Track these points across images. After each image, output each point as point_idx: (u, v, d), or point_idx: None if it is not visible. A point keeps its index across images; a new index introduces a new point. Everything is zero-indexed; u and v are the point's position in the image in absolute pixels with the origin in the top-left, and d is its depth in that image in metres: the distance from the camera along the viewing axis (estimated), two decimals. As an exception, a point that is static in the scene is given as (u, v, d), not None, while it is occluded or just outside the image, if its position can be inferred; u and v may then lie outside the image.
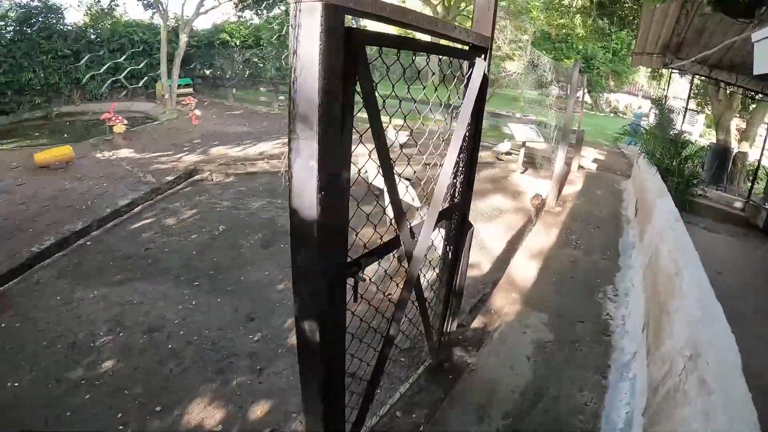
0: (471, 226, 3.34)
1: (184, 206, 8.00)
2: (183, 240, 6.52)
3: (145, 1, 17.28)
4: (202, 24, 25.77)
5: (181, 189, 9.09)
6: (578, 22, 15.19)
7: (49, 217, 6.96)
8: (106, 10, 19.82)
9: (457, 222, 3.18)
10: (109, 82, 19.54)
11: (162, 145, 11.96)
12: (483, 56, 2.69)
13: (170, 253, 6.08)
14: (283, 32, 22.35)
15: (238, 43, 23.34)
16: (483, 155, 11.03)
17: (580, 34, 16.27)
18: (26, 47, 17.15)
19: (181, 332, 4.37)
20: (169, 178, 9.27)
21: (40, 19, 17.80)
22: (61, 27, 18.57)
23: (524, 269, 5.23)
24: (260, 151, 11.21)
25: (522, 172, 9.93)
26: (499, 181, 9.22)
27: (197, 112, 15.68)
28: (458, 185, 3.08)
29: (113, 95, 19.80)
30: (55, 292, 5.09)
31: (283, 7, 24.46)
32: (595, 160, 11.51)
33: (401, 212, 2.36)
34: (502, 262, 5.77)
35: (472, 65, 2.67)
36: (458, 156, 2.83)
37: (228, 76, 22.46)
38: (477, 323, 4.19)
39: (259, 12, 23.79)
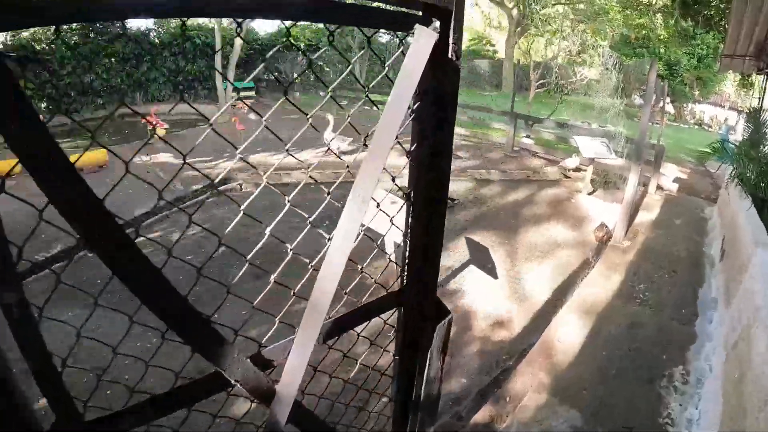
0: (447, 314, 1.89)
1: (196, 221, 7.28)
2: (176, 262, 5.76)
3: None
4: (269, 27, 25.66)
5: (205, 199, 8.49)
6: (659, 23, 13.57)
7: (63, 224, 6.45)
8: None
9: (411, 315, 1.78)
10: (170, 84, 19.82)
11: (203, 150, 11.50)
12: (443, 22, 1.24)
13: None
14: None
15: (302, 47, 23.13)
16: (548, 171, 9.73)
17: (662, 36, 14.58)
18: (90, 50, 17.51)
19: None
20: (197, 186, 8.75)
21: (103, 23, 18.10)
22: (124, 31, 18.82)
23: (567, 334, 3.99)
24: (302, 159, 10.42)
25: (589, 193, 8.54)
26: (560, 205, 7.89)
27: (251, 116, 15.29)
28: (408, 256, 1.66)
29: (175, 97, 20.04)
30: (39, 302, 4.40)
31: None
32: (676, 180, 9.89)
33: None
34: (542, 319, 4.51)
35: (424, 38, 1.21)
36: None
37: (293, 80, 22.13)
38: (481, 416, 3.05)
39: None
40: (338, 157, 1.53)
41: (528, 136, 11.51)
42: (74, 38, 17.52)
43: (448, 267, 5.49)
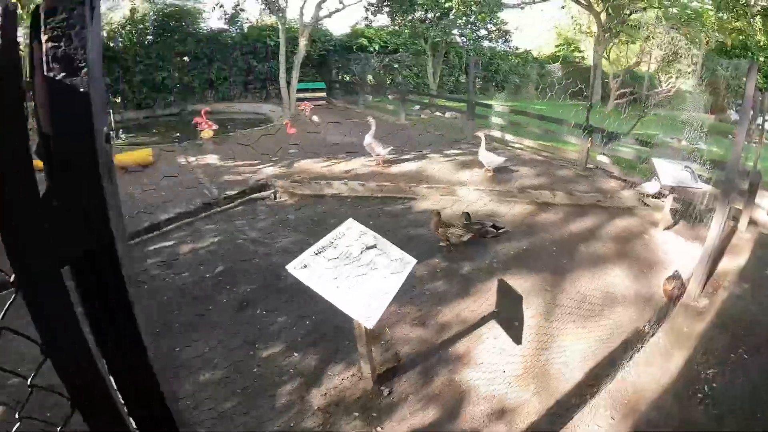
0: None
1: (211, 232, 6.96)
2: (169, 279, 5.45)
3: (266, 8, 16.85)
4: (341, 28, 25.56)
5: (233, 207, 8.00)
6: (758, 26, 11.60)
7: None
8: (230, 15, 20.08)
9: None
10: (241, 84, 20.00)
11: (251, 152, 11.11)
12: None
13: (144, 293, 5.08)
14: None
15: (377, 48, 22.61)
16: (623, 196, 8.35)
17: (762, 43, 12.52)
18: (162, 48, 17.93)
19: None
20: (231, 192, 8.32)
21: (175, 23, 18.50)
22: (196, 30, 19.18)
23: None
24: (349, 168, 9.74)
25: (667, 228, 7.13)
26: (629, 242, 6.54)
27: (315, 118, 14.92)
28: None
29: (246, 96, 20.21)
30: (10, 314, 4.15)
31: (420, 12, 23.27)
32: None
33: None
34: (559, 415, 3.30)
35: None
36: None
37: (365, 82, 21.65)
38: None
39: (396, 17, 22.92)
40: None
41: (604, 153, 10.08)
42: (148, 36, 17.97)
43: (463, 319, 4.49)
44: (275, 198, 8.53)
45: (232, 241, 6.53)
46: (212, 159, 10.70)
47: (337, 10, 17.06)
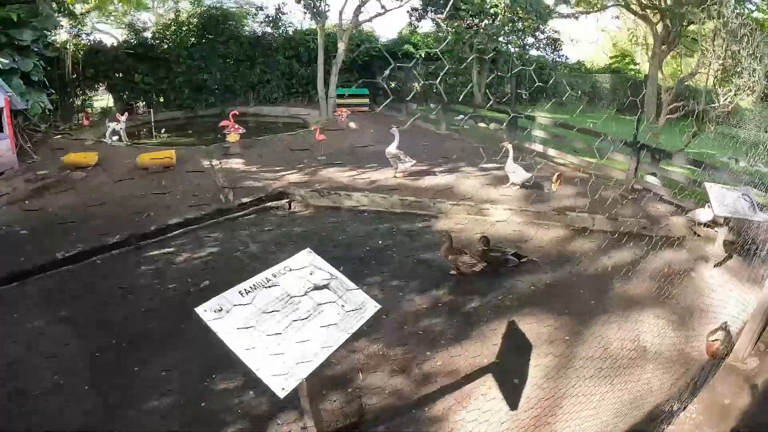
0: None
1: (212, 242, 6.67)
2: (161, 288, 5.26)
3: (307, 12, 16.61)
4: (388, 33, 25.21)
5: (245, 215, 7.66)
6: None
7: (93, 224, 6.85)
8: (272, 19, 19.99)
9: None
10: (282, 87, 19.90)
11: (277, 158, 10.79)
12: None
13: (125, 303, 4.95)
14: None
15: (422, 55, 22.04)
16: (672, 223, 7.44)
17: None
18: (205, 50, 18.03)
19: None
20: (246, 200, 8.00)
21: (219, 25, 18.55)
22: (239, 33, 19.21)
23: None
24: (375, 179, 9.20)
25: (718, 265, 6.21)
26: (672, 280, 5.67)
27: (351, 125, 14.56)
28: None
29: (288, 100, 20.11)
30: (10, 310, 4.74)
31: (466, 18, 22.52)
32: None
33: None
34: None
35: None
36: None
37: (408, 90, 21.14)
38: None
39: (440, 23, 22.28)
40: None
41: (654, 174, 9.11)
42: (191, 38, 18.10)
43: (453, 370, 3.82)
44: (289, 208, 8.11)
45: (229, 253, 6.18)
46: (236, 163, 10.45)
47: (378, 15, 16.61)
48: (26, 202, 7.91)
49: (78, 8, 17.14)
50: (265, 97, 19.79)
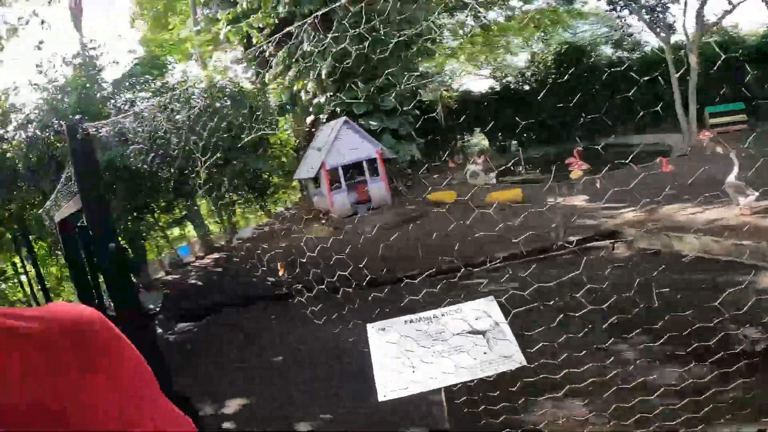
0: None
1: (510, 282, 6.87)
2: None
3: (656, 27, 15.50)
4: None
5: (563, 255, 8.22)
6: None
7: (431, 250, 8.27)
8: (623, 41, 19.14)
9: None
10: (644, 112, 19.00)
11: (620, 193, 10.70)
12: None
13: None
14: None
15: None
16: None
17: None
18: (563, 86, 18.69)
19: None
20: (573, 238, 8.55)
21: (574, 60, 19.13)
22: (596, 63, 19.33)
23: None
24: (718, 217, 8.39)
25: None
26: None
27: (718, 150, 13.11)
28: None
29: (656, 125, 19.13)
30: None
31: None
32: None
33: None
34: None
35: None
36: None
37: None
38: None
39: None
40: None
41: None
42: (550, 77, 19.19)
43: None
44: (613, 249, 8.31)
45: (521, 289, 6.08)
46: (580, 200, 10.96)
47: (727, 13, 14.25)
48: (391, 230, 10.51)
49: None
50: (629, 125, 19.28)
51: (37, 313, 0.56)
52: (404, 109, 13.40)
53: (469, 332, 3.04)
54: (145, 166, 8.97)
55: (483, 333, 3.03)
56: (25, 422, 0.48)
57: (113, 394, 0.55)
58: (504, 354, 2.94)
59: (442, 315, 3.16)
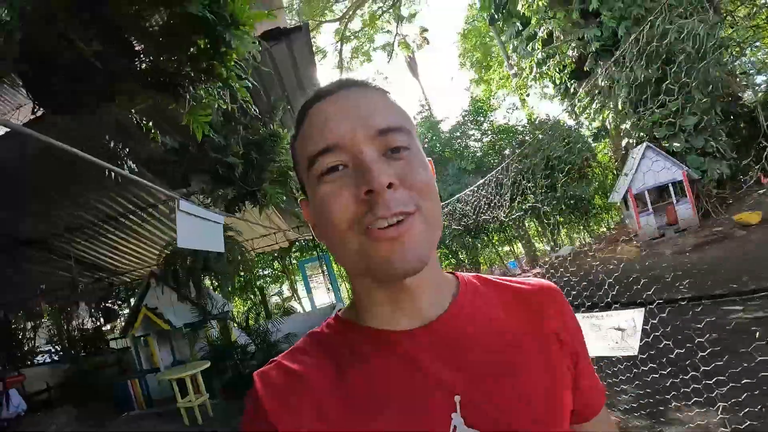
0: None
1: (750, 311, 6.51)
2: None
3: None
4: None
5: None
6: None
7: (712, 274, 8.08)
8: None
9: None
10: None
11: None
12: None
13: None
14: None
15: None
16: None
17: None
18: None
19: None
20: None
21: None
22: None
23: None
24: None
25: None
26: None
27: None
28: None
29: None
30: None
31: None
32: None
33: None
34: None
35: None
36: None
37: None
38: None
39: None
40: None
41: None
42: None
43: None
44: None
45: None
46: None
47: None
48: (686, 253, 10.38)
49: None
50: None
51: None
52: (711, 124, 12.65)
53: (617, 330, 3.60)
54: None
55: (624, 330, 3.46)
56: None
57: None
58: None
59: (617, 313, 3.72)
